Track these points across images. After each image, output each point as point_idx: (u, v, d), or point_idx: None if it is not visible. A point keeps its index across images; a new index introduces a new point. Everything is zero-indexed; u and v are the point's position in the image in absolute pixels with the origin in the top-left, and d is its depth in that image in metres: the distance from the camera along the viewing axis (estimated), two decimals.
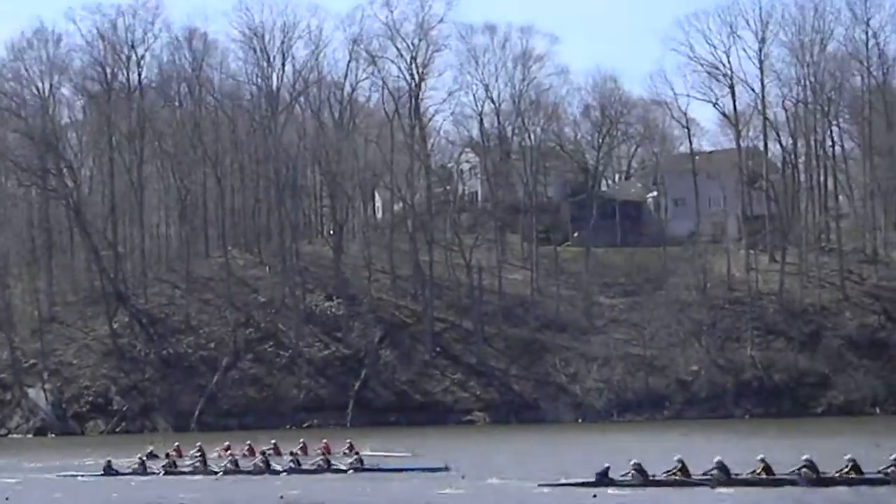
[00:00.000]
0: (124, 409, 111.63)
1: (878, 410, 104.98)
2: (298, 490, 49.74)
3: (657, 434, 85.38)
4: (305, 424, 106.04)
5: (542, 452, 69.65)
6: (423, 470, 54.34)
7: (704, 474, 44.73)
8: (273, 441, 66.11)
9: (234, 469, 57.95)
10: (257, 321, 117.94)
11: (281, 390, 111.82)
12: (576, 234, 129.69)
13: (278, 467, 57.02)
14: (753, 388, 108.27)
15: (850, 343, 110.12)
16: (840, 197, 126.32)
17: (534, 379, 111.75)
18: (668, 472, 45.49)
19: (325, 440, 64.59)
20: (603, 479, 45.57)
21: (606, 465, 46.14)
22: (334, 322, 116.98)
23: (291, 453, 59.12)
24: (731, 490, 43.49)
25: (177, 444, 65.43)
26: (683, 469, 45.19)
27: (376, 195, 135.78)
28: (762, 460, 44.90)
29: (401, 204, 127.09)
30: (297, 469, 56.33)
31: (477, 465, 56.62)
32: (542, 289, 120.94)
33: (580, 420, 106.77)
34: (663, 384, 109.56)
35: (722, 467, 44.71)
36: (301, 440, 66.41)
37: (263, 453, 60.04)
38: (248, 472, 56.66)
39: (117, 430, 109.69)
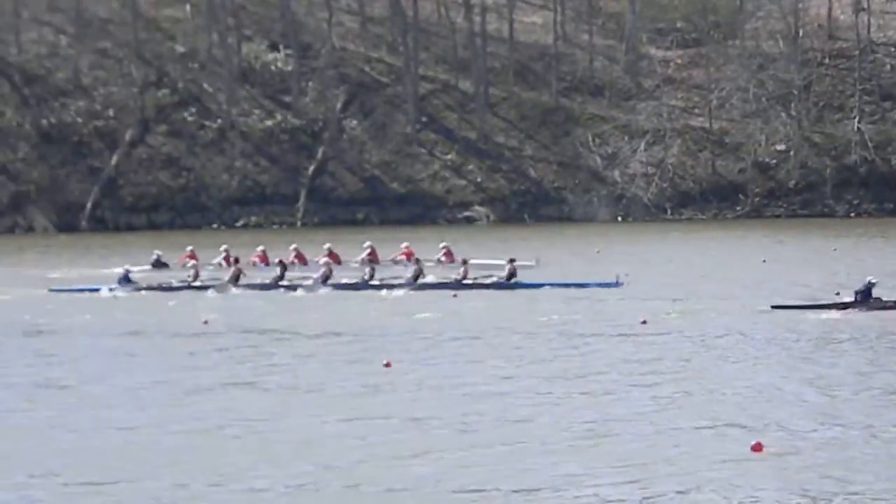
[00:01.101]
0: None
1: None
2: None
3: (749, 237, 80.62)
4: (239, 223, 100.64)
5: (683, 262, 64.36)
6: (587, 286, 52.34)
7: None
8: (293, 247, 60.20)
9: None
10: (174, 80, 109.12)
11: (206, 176, 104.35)
12: None
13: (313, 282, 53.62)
14: (861, 175, 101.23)
15: None
16: None
17: (556, 162, 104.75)
18: None
19: (407, 245, 59.94)
20: (867, 300, 42.48)
21: (869, 279, 43.49)
22: (281, 81, 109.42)
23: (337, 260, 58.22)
24: None
25: (190, 248, 61.54)
26: None
27: None
28: None
29: None
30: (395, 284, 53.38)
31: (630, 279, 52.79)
32: (569, 37, 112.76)
33: (620, 218, 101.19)
34: (736, 169, 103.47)
35: None
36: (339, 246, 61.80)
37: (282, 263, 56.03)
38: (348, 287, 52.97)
39: None
